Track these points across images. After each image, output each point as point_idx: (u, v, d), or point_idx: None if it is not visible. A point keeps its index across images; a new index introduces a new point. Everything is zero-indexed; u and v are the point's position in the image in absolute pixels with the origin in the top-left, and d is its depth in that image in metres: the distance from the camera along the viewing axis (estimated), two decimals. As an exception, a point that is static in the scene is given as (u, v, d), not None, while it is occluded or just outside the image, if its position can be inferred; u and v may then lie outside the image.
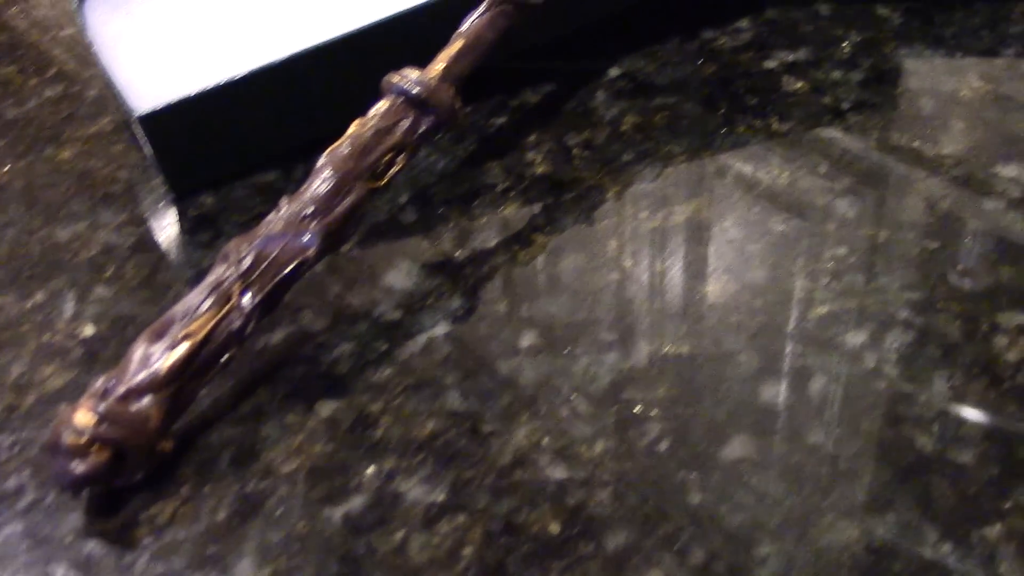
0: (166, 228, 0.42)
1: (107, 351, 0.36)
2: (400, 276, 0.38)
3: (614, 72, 0.48)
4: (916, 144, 0.42)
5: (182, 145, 0.42)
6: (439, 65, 0.38)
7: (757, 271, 0.37)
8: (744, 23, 0.51)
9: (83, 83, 0.51)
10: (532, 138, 0.45)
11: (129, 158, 0.46)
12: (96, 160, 0.46)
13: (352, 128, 0.37)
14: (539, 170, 0.43)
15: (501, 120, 0.46)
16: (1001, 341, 0.34)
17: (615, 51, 0.49)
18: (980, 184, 0.40)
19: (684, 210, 0.40)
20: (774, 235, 0.39)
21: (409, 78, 0.37)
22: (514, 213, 0.41)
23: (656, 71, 0.48)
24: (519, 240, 0.39)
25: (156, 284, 0.39)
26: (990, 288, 0.36)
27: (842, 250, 0.38)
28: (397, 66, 0.38)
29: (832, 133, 0.43)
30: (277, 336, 0.36)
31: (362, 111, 0.37)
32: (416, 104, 0.37)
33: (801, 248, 0.38)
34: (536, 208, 0.41)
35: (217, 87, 0.40)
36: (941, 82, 0.46)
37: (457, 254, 0.39)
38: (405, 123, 0.37)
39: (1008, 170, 0.40)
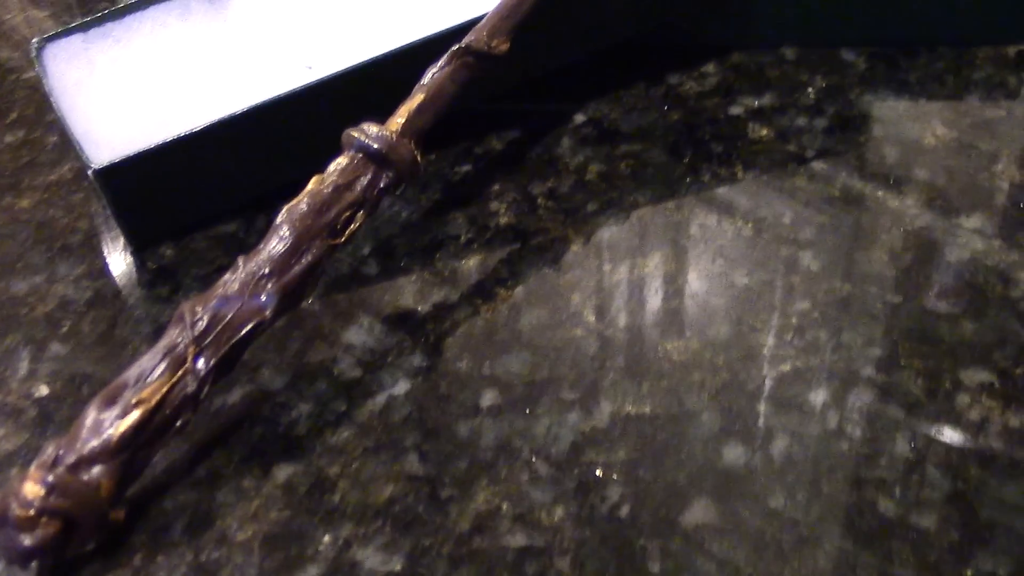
0: (125, 281, 0.41)
1: (61, 411, 0.36)
2: (361, 332, 0.38)
3: (580, 118, 0.48)
4: (880, 194, 0.42)
5: (140, 198, 0.41)
6: (399, 119, 0.38)
7: (720, 326, 0.37)
8: (710, 68, 0.51)
9: (44, 128, 0.50)
10: (496, 187, 0.44)
11: (89, 207, 0.45)
12: (55, 210, 0.45)
13: (310, 184, 0.37)
14: (503, 220, 0.42)
15: (466, 168, 0.46)
16: (963, 400, 0.34)
17: (581, 95, 0.49)
18: (943, 235, 0.40)
19: (648, 262, 0.40)
20: (738, 289, 0.38)
21: (368, 133, 0.37)
22: (477, 265, 0.40)
23: (621, 117, 0.48)
24: (482, 293, 0.39)
25: (113, 340, 0.39)
26: (953, 343, 0.35)
27: (806, 304, 0.37)
28: (359, 115, 0.38)
29: (797, 182, 0.43)
30: (234, 396, 0.36)
31: (325, 160, 0.37)
32: (376, 159, 0.37)
33: (765, 302, 0.38)
34: (499, 260, 0.40)
35: (175, 140, 0.40)
36: (905, 129, 0.46)
37: (419, 308, 0.39)
38: (364, 179, 0.37)
39: (971, 221, 0.40)
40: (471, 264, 0.41)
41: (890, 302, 0.37)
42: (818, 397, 0.34)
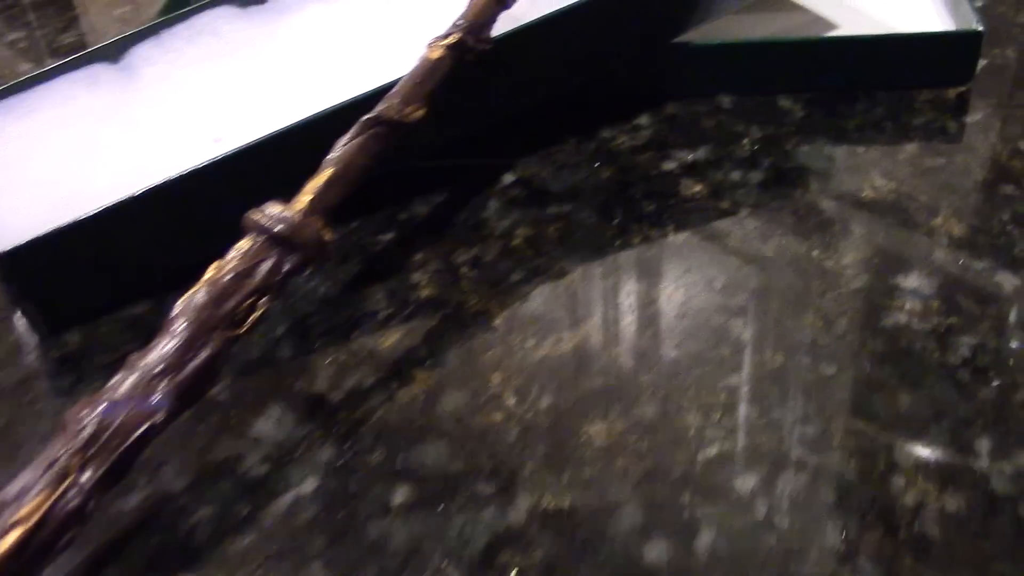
0: (26, 372, 0.39)
1: (-51, 523, 0.33)
2: (270, 424, 0.36)
3: (508, 178, 0.47)
4: (815, 254, 0.41)
5: (46, 281, 0.39)
6: (305, 198, 0.36)
7: (646, 406, 0.35)
8: (644, 120, 0.50)
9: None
10: (419, 256, 0.43)
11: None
12: (-42, 294, 0.43)
13: (208, 272, 0.35)
14: (424, 293, 0.41)
15: (388, 236, 0.44)
16: (898, 482, 0.32)
17: (512, 149, 0.47)
18: (880, 297, 0.38)
19: (572, 337, 0.38)
20: (665, 364, 0.37)
21: (270, 215, 0.35)
22: (395, 345, 0.38)
23: (552, 175, 0.46)
24: (398, 376, 0.37)
25: (12, 439, 0.37)
26: (889, 419, 0.34)
27: (735, 379, 0.36)
28: (271, 188, 0.36)
29: (730, 242, 0.41)
30: (132, 501, 0.34)
31: (239, 234, 0.35)
32: (279, 243, 0.35)
33: (693, 378, 0.36)
34: (419, 338, 0.39)
35: (81, 220, 0.38)
36: (843, 181, 0.44)
37: (332, 395, 0.37)
38: (267, 264, 0.35)
39: (909, 281, 0.39)
40: (389, 343, 0.39)
41: (823, 374, 0.36)
42: (746, 483, 0.32)
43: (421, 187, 0.46)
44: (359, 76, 0.43)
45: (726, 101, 0.50)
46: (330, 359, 0.38)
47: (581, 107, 0.50)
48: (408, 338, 0.39)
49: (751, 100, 0.50)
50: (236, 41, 0.46)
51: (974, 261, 0.40)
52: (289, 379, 0.38)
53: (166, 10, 0.55)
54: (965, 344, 0.36)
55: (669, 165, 0.46)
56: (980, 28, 0.48)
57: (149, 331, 0.35)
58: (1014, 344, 0.36)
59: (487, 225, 0.44)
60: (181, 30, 0.46)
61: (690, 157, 0.47)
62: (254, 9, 0.48)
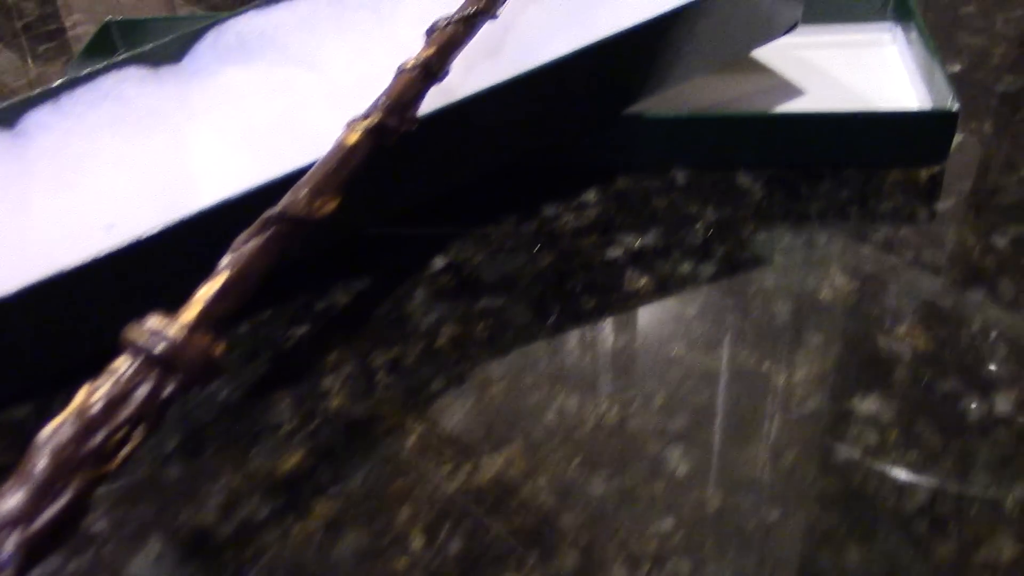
0: None
1: None
2: (147, 564, 0.32)
3: (439, 262, 0.43)
4: (765, 368, 0.37)
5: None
6: (193, 310, 0.32)
7: (566, 556, 0.31)
8: (591, 195, 0.46)
9: None
10: (333, 356, 0.39)
11: None
12: None
13: (78, 397, 0.31)
14: (334, 403, 0.37)
15: (302, 330, 0.40)
16: (841, 664, 0.28)
17: (447, 227, 0.43)
18: (833, 424, 0.35)
19: (492, 463, 0.34)
20: (592, 501, 0.33)
21: (151, 331, 0.31)
22: (296, 467, 0.35)
23: (486, 261, 0.42)
24: (296, 507, 0.33)
25: None
26: (834, 580, 0.30)
27: (668, 523, 0.32)
28: (166, 281, 0.32)
29: (674, 350, 0.38)
30: (-19, 661, 0.30)
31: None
32: (159, 364, 0.31)
33: (622, 519, 0.32)
34: (322, 459, 0.35)
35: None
36: (800, 278, 0.41)
37: (221, 528, 0.33)
38: (144, 388, 0.31)
39: (866, 404, 0.35)
40: (290, 465, 0.35)
41: (765, 519, 0.32)
42: (671, 660, 0.28)
43: (343, 271, 0.42)
44: (275, 153, 0.39)
45: (681, 176, 0.47)
46: (223, 482, 0.34)
47: (524, 178, 0.46)
48: (311, 458, 0.35)
49: (708, 175, 0.46)
50: (142, 108, 0.42)
51: (939, 381, 0.36)
52: (175, 506, 0.34)
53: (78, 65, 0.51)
54: (924, 488, 0.33)
55: (614, 252, 0.43)
56: (955, 108, 0.44)
57: (29, 438, 0.31)
58: (976, 488, 0.32)
59: (411, 320, 0.40)
60: (83, 93, 0.42)
61: (637, 243, 0.43)
62: (166, 70, 0.43)
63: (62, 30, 0.68)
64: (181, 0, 0.72)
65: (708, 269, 0.41)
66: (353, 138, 0.37)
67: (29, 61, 0.64)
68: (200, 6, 0.71)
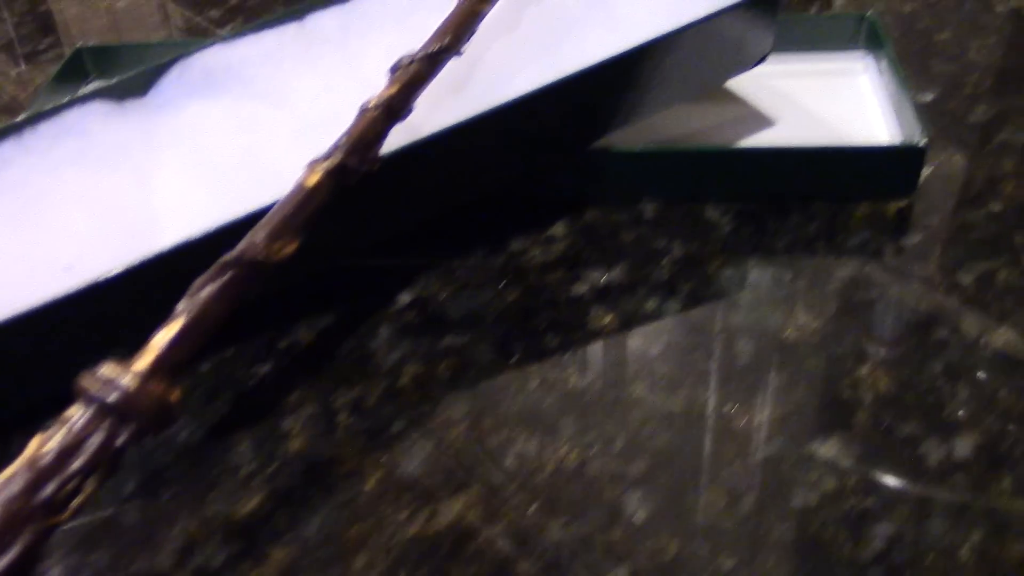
0: None
1: None
2: (100, 613, 0.32)
3: (405, 298, 0.43)
4: (727, 409, 0.37)
5: None
6: (147, 357, 0.32)
7: (521, 606, 0.31)
8: (559, 229, 0.46)
9: None
10: (295, 396, 0.39)
11: None
12: None
13: (30, 447, 0.31)
14: (294, 445, 0.37)
15: (265, 369, 0.40)
16: None
17: (415, 259, 0.43)
18: (793, 469, 0.35)
19: (450, 508, 0.34)
20: (548, 549, 0.33)
21: (104, 379, 0.31)
22: (254, 511, 0.35)
23: (451, 297, 0.42)
24: (252, 553, 0.33)
25: None
26: (787, 633, 0.30)
27: (624, 572, 0.32)
28: (128, 322, 0.32)
29: (636, 391, 0.38)
30: None
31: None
32: (112, 413, 0.31)
33: (576, 569, 0.32)
34: (280, 503, 0.35)
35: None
36: (765, 317, 0.41)
37: (175, 576, 0.33)
38: (97, 439, 0.31)
39: (826, 448, 0.35)
40: (248, 509, 0.35)
41: (721, 568, 0.32)
42: None
43: (308, 304, 0.42)
44: (239, 191, 0.39)
45: (649, 209, 0.47)
46: (178, 527, 0.34)
47: (493, 209, 0.46)
48: (269, 502, 0.35)
49: (677, 208, 0.46)
50: (106, 144, 0.41)
51: (899, 424, 0.36)
52: (130, 553, 0.34)
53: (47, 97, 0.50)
54: (880, 534, 0.32)
55: (580, 288, 0.43)
56: (923, 143, 0.44)
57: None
58: (934, 533, 0.32)
59: (374, 359, 0.40)
60: (47, 128, 0.42)
61: (604, 279, 0.43)
62: (132, 104, 0.43)
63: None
64: (174, 10, 0.72)
65: (673, 306, 0.41)
66: (313, 179, 0.37)
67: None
68: (197, 17, 0.71)
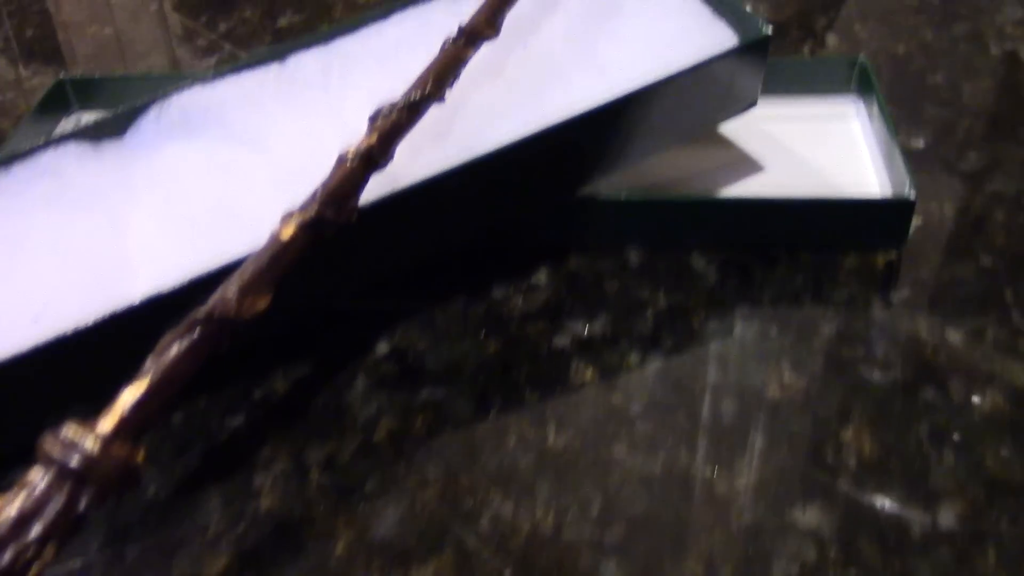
0: None
1: None
2: None
3: (383, 348, 0.42)
4: (708, 474, 0.36)
5: None
6: (111, 419, 0.31)
7: None
8: (542, 276, 0.45)
9: None
10: (267, 450, 0.38)
11: None
12: None
13: (-11, 513, 0.30)
14: (265, 504, 0.36)
15: (237, 421, 0.39)
16: None
17: (394, 306, 0.42)
18: (772, 539, 0.34)
19: (421, 574, 0.33)
20: (520, 621, 0.32)
21: (66, 442, 0.30)
22: (221, 574, 0.34)
23: (429, 348, 0.42)
24: (217, 620, 0.32)
25: None
26: None
27: (597, 647, 0.31)
28: (100, 372, 0.32)
29: (615, 451, 0.37)
30: None
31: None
32: (73, 477, 0.30)
33: (549, 642, 0.31)
34: (248, 566, 0.34)
35: None
36: (749, 373, 0.40)
37: (137, 643, 0.32)
38: (57, 504, 0.30)
39: (808, 516, 0.34)
40: (215, 570, 0.34)
41: (697, 644, 0.31)
42: None
43: (285, 351, 0.41)
44: (216, 238, 0.38)
45: (634, 256, 0.46)
46: (143, 591, 0.33)
47: (475, 255, 0.45)
48: (237, 564, 0.34)
49: (662, 256, 0.46)
50: (80, 187, 0.41)
51: (882, 491, 0.35)
52: (92, 617, 0.33)
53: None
54: (860, 611, 0.32)
55: (562, 340, 0.42)
56: (912, 196, 0.43)
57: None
58: (916, 611, 0.32)
59: (349, 412, 0.39)
60: (20, 170, 0.41)
61: (586, 331, 0.42)
62: (108, 146, 0.42)
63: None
64: (175, 20, 0.71)
65: (656, 362, 0.41)
66: (288, 232, 0.36)
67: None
68: (200, 27, 0.70)
